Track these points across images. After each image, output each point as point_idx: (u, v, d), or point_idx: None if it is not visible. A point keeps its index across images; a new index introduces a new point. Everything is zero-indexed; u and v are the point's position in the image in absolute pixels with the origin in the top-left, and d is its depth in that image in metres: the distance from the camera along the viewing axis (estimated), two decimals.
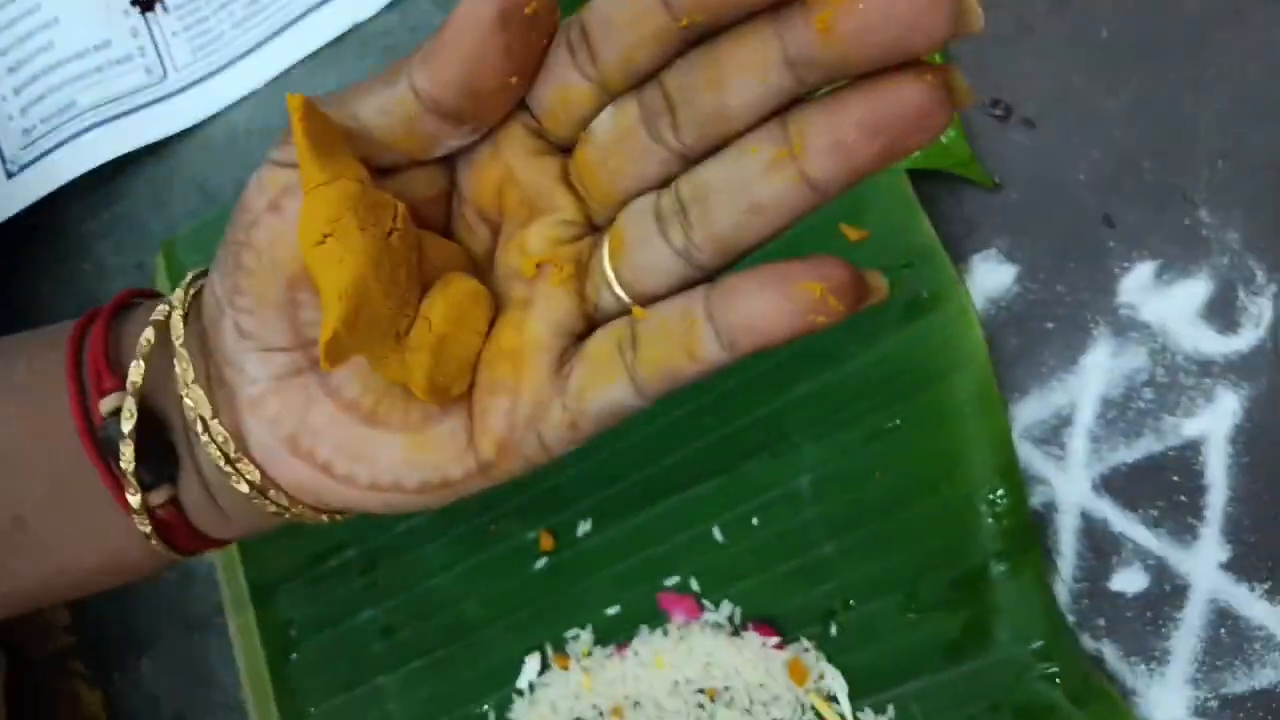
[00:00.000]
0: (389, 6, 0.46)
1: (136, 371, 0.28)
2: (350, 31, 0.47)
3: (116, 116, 0.49)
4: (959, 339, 0.38)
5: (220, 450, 0.27)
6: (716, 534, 0.40)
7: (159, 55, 0.49)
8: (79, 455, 0.29)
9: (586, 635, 0.41)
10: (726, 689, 0.39)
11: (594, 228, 0.26)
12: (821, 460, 0.39)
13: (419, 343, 0.25)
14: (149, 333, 0.29)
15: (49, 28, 0.49)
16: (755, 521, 0.40)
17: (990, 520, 0.37)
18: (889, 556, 0.39)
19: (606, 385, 0.25)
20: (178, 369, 0.28)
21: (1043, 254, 0.39)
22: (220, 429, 0.27)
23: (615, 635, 0.41)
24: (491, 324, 0.27)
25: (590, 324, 0.26)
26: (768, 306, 0.23)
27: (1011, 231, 0.40)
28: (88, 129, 0.49)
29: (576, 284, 0.26)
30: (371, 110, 0.25)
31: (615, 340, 0.25)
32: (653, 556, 0.41)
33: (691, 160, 0.24)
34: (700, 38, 0.23)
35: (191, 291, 0.29)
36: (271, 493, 0.28)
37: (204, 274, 0.30)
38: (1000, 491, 0.37)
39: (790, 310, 0.23)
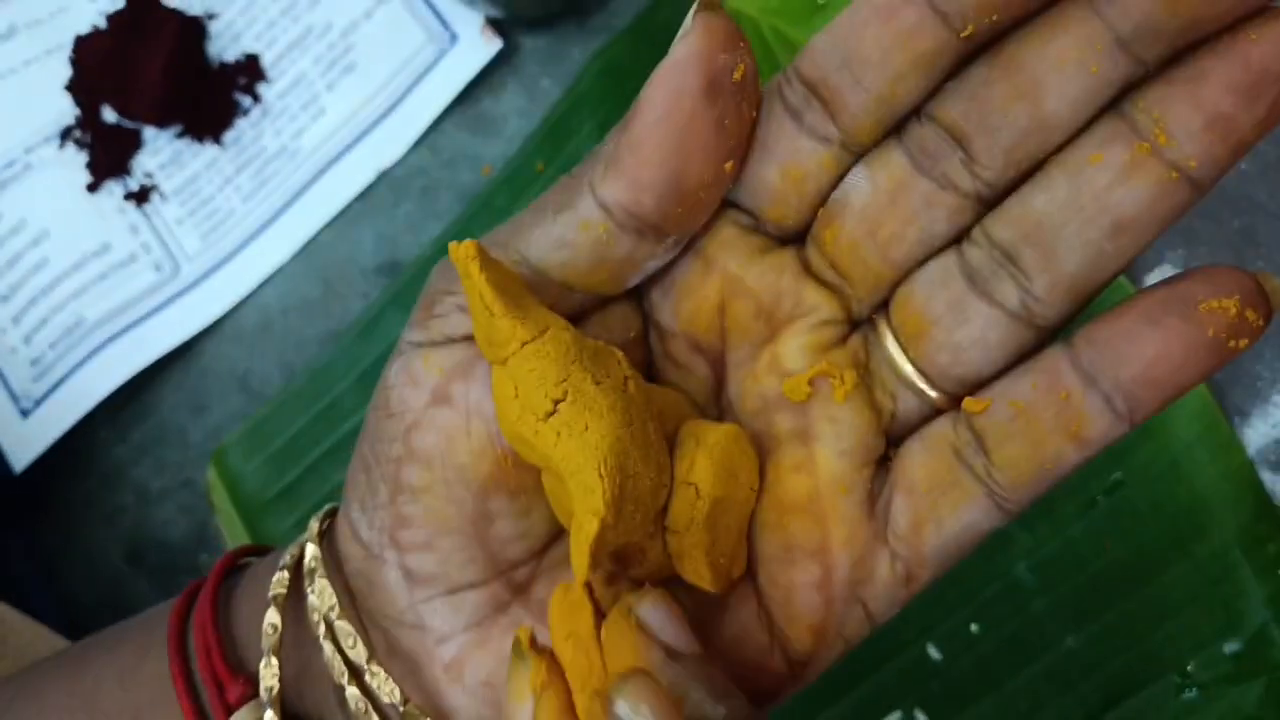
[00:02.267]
0: (417, 143, 0.42)
1: (269, 673, 0.22)
2: (378, 180, 0.42)
3: (131, 325, 0.43)
4: None
5: None
6: (933, 651, 0.35)
7: (166, 248, 0.44)
8: None
9: None
10: None
11: (854, 324, 0.21)
12: (1037, 542, 0.34)
13: (686, 518, 0.19)
14: (272, 616, 0.22)
15: (39, 243, 0.44)
16: (975, 628, 0.34)
17: (1260, 570, 0.32)
18: (1147, 637, 0.33)
19: (953, 510, 0.19)
20: (344, 648, 0.21)
21: (1222, 258, 0.35)
22: (417, 713, 0.21)
23: None
24: (760, 472, 0.21)
25: (889, 441, 0.21)
26: (1171, 345, 0.18)
27: (1183, 242, 0.35)
28: (102, 345, 0.43)
29: (864, 394, 0.20)
30: (545, 246, 0.19)
31: (948, 448, 0.19)
32: (866, 693, 0.35)
33: (988, 204, 0.19)
34: (977, 50, 0.18)
35: (321, 536, 0.23)
36: None
37: (331, 514, 0.24)
38: (1262, 532, 0.32)
39: (1202, 342, 0.18)
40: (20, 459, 0.43)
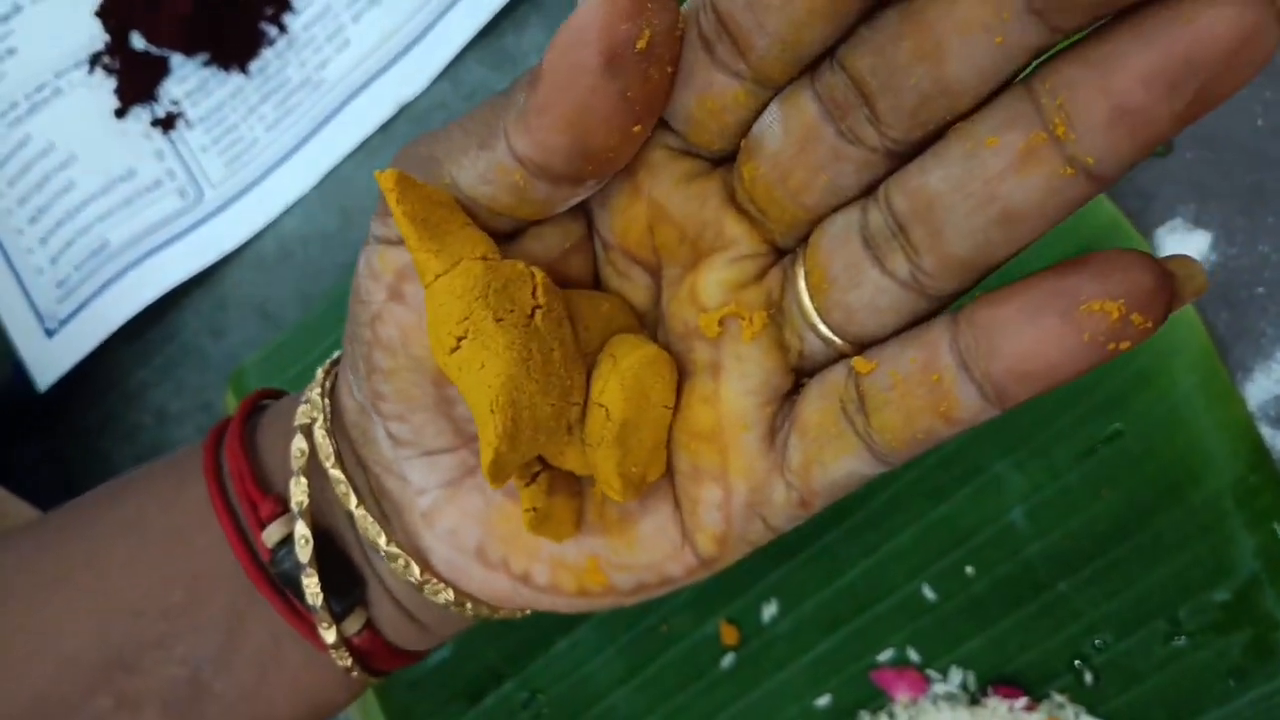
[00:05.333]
0: (439, 77, 0.42)
1: (299, 490, 0.24)
2: (399, 113, 0.43)
3: (155, 250, 0.44)
4: (1171, 323, 0.33)
5: (404, 571, 0.24)
6: (927, 592, 0.35)
7: (190, 175, 0.45)
8: (250, 596, 0.25)
9: None
10: None
11: (779, 252, 0.21)
12: (1032, 487, 0.35)
13: (598, 435, 0.21)
14: (300, 442, 0.25)
15: (67, 167, 0.45)
16: (969, 570, 0.35)
17: (1251, 521, 0.33)
18: (1137, 583, 0.34)
19: (836, 458, 0.20)
20: (337, 493, 0.24)
21: (1234, 214, 0.35)
22: (399, 551, 0.24)
23: None
24: (678, 391, 0.22)
25: (798, 375, 0.21)
26: (1044, 344, 0.17)
27: (1195, 196, 0.35)
28: (126, 269, 0.44)
29: (773, 333, 0.21)
30: (471, 177, 0.20)
31: (837, 399, 0.20)
32: (857, 630, 0.36)
33: (900, 158, 0.19)
34: None
35: (328, 385, 0.25)
36: (469, 604, 0.24)
37: (337, 363, 0.26)
38: (1254, 483, 0.33)
39: (1077, 344, 0.17)
40: (45, 378, 0.44)
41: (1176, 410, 0.33)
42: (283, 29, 0.45)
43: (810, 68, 0.18)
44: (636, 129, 0.19)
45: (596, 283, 0.23)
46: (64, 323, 0.44)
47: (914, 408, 0.19)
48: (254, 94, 0.45)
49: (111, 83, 0.46)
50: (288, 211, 0.44)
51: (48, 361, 0.44)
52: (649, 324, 0.23)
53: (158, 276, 0.44)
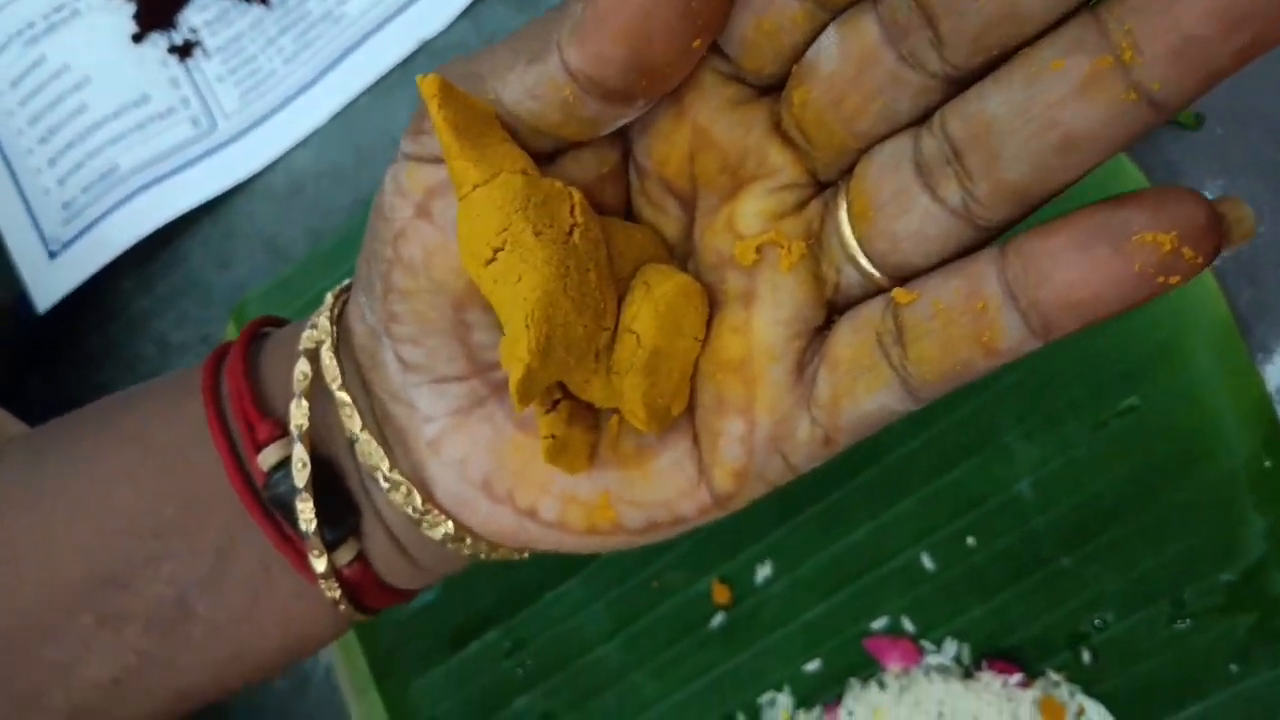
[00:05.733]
0: (460, 16, 0.42)
1: (300, 413, 0.24)
2: (418, 51, 0.42)
3: (164, 176, 0.44)
4: (1191, 297, 0.33)
5: (405, 501, 0.23)
6: (925, 561, 0.35)
7: (204, 104, 0.44)
8: (244, 520, 0.24)
9: (785, 698, 0.35)
10: None
11: (820, 186, 0.21)
12: (1042, 458, 0.34)
13: (627, 362, 0.21)
14: (303, 365, 0.24)
15: (80, 89, 0.45)
16: (971, 541, 0.34)
17: (1262, 502, 0.32)
18: (1142, 561, 0.33)
19: (868, 392, 0.20)
20: (342, 416, 0.23)
21: (1261, 190, 0.34)
22: (401, 479, 0.23)
23: (820, 695, 0.35)
24: (707, 324, 0.22)
25: (830, 311, 0.21)
26: (1095, 273, 0.17)
27: (1223, 170, 0.34)
28: (133, 194, 0.44)
29: (810, 265, 0.21)
30: (517, 93, 0.19)
31: (872, 332, 0.20)
32: (852, 596, 0.35)
33: (959, 85, 0.18)
34: None
35: (336, 311, 0.25)
36: (469, 540, 0.23)
37: (347, 289, 0.25)
38: (1268, 466, 0.32)
39: (1127, 275, 0.17)
40: (45, 300, 0.44)
41: (1193, 386, 0.33)
42: None
43: None
44: (696, 44, 0.18)
45: (628, 216, 0.22)
46: (67, 245, 0.44)
47: (955, 337, 0.19)
48: (273, 26, 0.44)
49: (131, 7, 0.45)
50: (300, 145, 0.43)
51: (49, 283, 0.44)
52: (678, 257, 0.22)
53: (165, 203, 0.43)
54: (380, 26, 0.43)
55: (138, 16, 0.45)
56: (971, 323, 0.18)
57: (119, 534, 0.25)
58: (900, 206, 0.19)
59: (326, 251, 0.42)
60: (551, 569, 0.37)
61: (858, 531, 0.35)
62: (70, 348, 0.45)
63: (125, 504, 0.25)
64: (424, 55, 0.42)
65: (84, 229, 0.44)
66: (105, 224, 0.44)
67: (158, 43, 0.45)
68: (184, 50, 0.45)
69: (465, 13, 0.42)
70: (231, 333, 0.42)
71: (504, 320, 0.19)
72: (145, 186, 0.44)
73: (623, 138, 0.21)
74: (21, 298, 0.44)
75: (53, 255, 0.44)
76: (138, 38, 0.45)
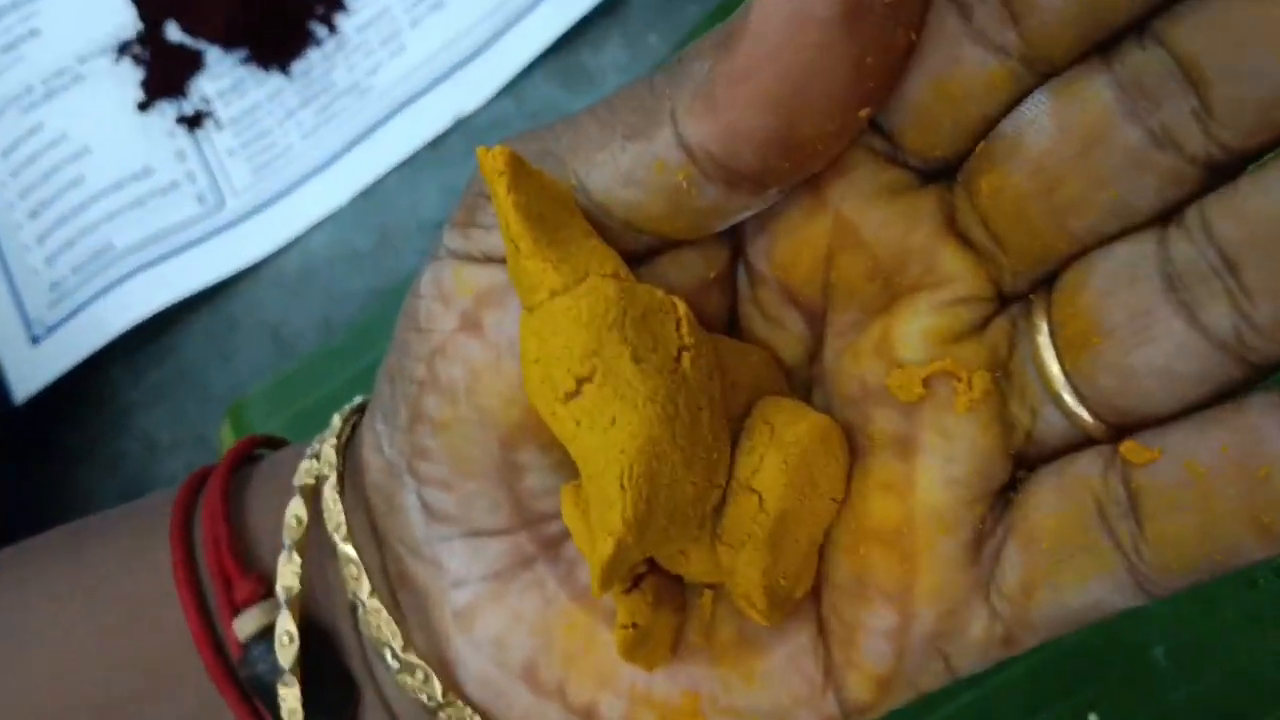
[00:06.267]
0: (502, 91, 0.38)
1: (289, 571, 0.19)
2: (453, 128, 0.38)
3: (163, 257, 0.40)
4: None
5: (420, 687, 0.18)
6: None
7: (212, 179, 0.40)
8: (213, 696, 0.20)
9: None
10: None
11: (1001, 303, 0.16)
12: (1180, 621, 0.29)
13: (745, 531, 0.16)
14: (297, 507, 0.20)
15: (79, 159, 0.41)
16: (1093, 718, 0.29)
17: None
18: None
19: (1079, 580, 0.15)
20: (345, 574, 0.19)
21: None
22: (416, 661, 0.18)
23: None
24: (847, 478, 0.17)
25: (1016, 465, 0.16)
26: None
27: None
28: (128, 275, 0.39)
29: (994, 404, 0.16)
30: (608, 177, 0.15)
31: (1090, 499, 0.15)
32: None
33: (1224, 171, 0.14)
34: None
35: (345, 437, 0.20)
36: None
37: (359, 410, 0.21)
38: None
39: None
40: (23, 389, 0.39)
41: None
42: (333, 29, 0.40)
43: (1102, 46, 0.14)
44: (864, 112, 0.14)
45: (732, 330, 0.18)
46: (52, 329, 0.40)
47: (1220, 513, 0.14)
48: (293, 98, 0.40)
49: (139, 74, 0.41)
50: (316, 227, 0.39)
51: (30, 371, 0.40)
52: (797, 387, 0.18)
53: (162, 287, 0.39)
54: (412, 100, 0.39)
55: (145, 83, 0.41)
56: (1244, 495, 0.14)
57: (61, 713, 0.20)
58: (1141, 333, 0.15)
59: (338, 346, 0.37)
60: None
61: (953, 703, 0.30)
62: (48, 440, 0.40)
63: (70, 673, 0.20)
64: (460, 132, 0.38)
65: (72, 312, 0.40)
66: (95, 307, 0.39)
67: (165, 112, 0.41)
68: (194, 121, 0.41)
69: (508, 88, 0.38)
70: (225, 436, 0.37)
71: (587, 475, 0.15)
72: (142, 268, 0.39)
73: (732, 234, 0.17)
74: None
75: (35, 340, 0.40)
76: (144, 106, 0.41)
